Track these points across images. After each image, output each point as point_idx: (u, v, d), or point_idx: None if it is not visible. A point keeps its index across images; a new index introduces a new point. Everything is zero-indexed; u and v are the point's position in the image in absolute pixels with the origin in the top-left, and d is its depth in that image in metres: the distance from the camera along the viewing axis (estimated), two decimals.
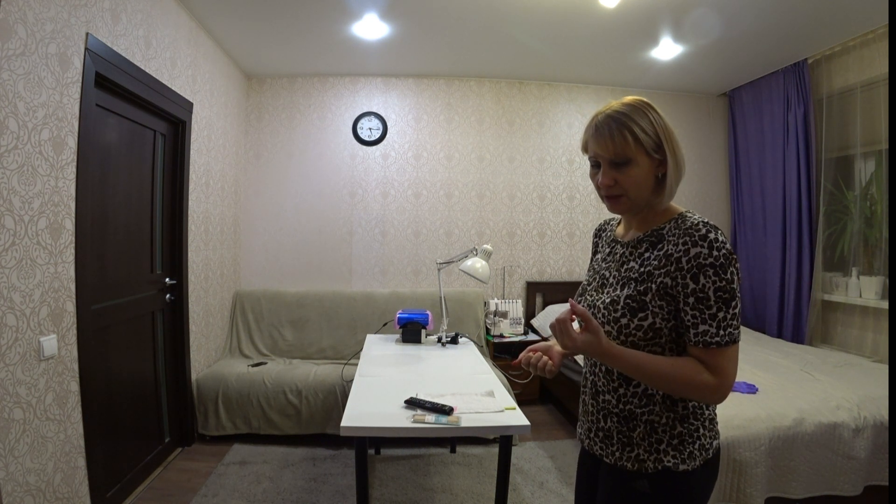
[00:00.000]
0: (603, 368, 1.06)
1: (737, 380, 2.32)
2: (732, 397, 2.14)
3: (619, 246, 1.09)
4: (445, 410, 1.55)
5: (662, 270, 0.95)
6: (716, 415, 1.03)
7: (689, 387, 0.92)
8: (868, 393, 2.17)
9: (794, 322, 3.48)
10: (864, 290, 3.10)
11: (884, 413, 2.05)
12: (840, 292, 3.30)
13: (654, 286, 0.96)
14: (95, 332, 2.04)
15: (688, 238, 0.93)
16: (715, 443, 1.01)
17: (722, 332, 0.90)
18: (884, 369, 2.57)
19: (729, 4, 2.67)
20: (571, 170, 4.14)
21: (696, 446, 0.97)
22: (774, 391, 2.21)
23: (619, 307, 0.99)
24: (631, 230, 1.08)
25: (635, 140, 0.96)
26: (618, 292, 1.01)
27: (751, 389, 2.22)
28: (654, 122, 0.99)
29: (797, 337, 3.45)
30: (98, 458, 1.99)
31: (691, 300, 0.92)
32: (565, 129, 4.13)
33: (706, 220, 0.95)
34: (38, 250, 1.68)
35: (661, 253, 0.96)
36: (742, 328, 3.57)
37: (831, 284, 3.38)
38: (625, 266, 1.04)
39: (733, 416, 1.98)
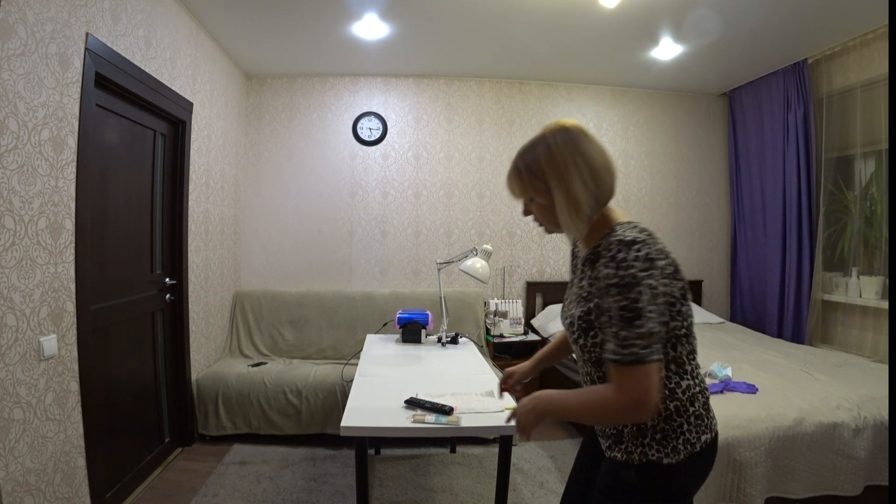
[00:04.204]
0: (588, 379, 1.10)
1: (737, 380, 2.33)
2: (733, 397, 2.14)
3: (578, 262, 1.13)
4: (445, 410, 1.55)
5: (594, 290, 0.99)
6: (705, 411, 1.04)
7: (607, 411, 0.95)
8: (868, 393, 2.17)
9: (794, 322, 3.48)
10: (864, 290, 3.10)
11: (884, 413, 2.04)
12: (840, 292, 3.30)
13: (592, 305, 1.00)
14: (95, 332, 2.04)
15: (605, 258, 0.95)
16: (704, 437, 1.02)
17: (625, 352, 0.90)
18: (884, 369, 2.57)
19: (729, 4, 2.67)
20: None
21: (680, 441, 1.00)
22: (774, 391, 2.21)
23: (576, 328, 1.04)
24: (584, 247, 1.10)
25: (523, 182, 1.06)
26: (573, 311, 1.06)
27: (751, 389, 2.22)
28: (545, 155, 1.02)
29: (797, 337, 3.45)
30: (98, 458, 1.99)
31: (603, 319, 0.95)
32: None
33: (625, 238, 0.94)
34: (38, 250, 1.68)
35: (595, 272, 0.99)
36: (742, 328, 3.63)
37: (831, 284, 3.38)
38: (578, 284, 1.08)
39: (733, 416, 1.97)
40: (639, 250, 0.92)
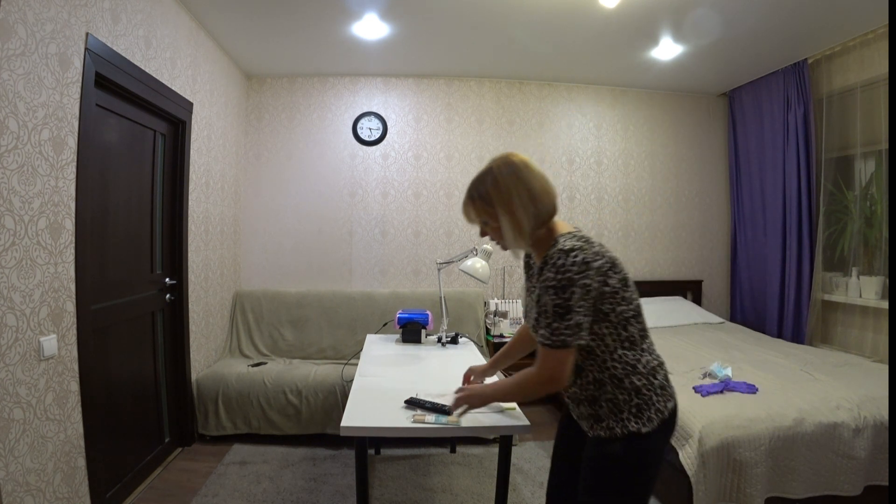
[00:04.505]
0: None
1: (737, 380, 2.33)
2: (732, 397, 2.15)
3: (534, 271, 1.28)
4: (445, 410, 1.55)
5: (541, 290, 1.16)
6: (666, 382, 1.21)
7: (526, 385, 1.21)
8: (868, 393, 2.17)
9: (794, 322, 3.48)
10: (864, 290, 3.10)
11: (884, 413, 2.05)
12: (840, 292, 3.30)
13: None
14: (95, 332, 2.04)
15: (548, 264, 1.14)
16: (669, 405, 1.19)
17: (554, 338, 1.12)
18: (884, 369, 2.57)
19: (729, 4, 2.67)
20: (571, 170, 4.14)
21: (653, 411, 1.16)
22: (774, 391, 2.21)
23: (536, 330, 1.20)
24: (537, 259, 1.26)
25: (476, 208, 1.25)
26: (533, 315, 1.22)
27: (751, 389, 2.22)
28: (492, 185, 1.20)
29: (797, 337, 3.45)
30: (98, 458, 1.99)
31: (540, 310, 1.15)
32: (565, 129, 4.13)
33: (564, 247, 1.12)
34: (38, 250, 1.68)
35: (542, 276, 1.16)
36: (742, 328, 3.63)
37: (831, 284, 3.38)
38: (534, 292, 1.23)
39: (733, 415, 1.98)
40: (576, 256, 1.10)
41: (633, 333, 1.17)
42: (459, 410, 1.42)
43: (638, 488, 1.18)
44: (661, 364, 1.22)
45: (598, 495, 1.19)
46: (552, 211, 1.23)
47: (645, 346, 1.20)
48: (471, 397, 1.38)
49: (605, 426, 1.18)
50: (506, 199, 1.19)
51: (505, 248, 1.28)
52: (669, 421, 1.19)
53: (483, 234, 1.31)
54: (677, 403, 1.23)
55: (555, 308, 1.11)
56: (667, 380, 1.22)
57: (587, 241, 1.15)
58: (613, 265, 1.14)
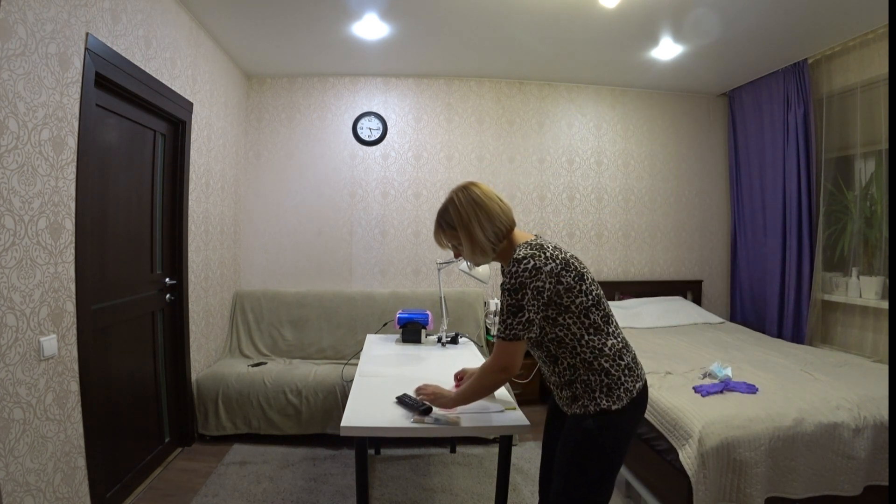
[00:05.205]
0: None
1: (737, 380, 2.33)
2: (732, 397, 2.15)
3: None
4: (428, 409, 1.53)
5: None
6: (634, 364, 1.35)
7: (484, 376, 1.39)
8: (868, 393, 2.16)
9: (794, 322, 3.48)
10: (864, 290, 3.10)
11: (884, 413, 2.04)
12: (840, 292, 3.30)
13: None
14: (95, 332, 2.04)
15: (506, 271, 1.30)
16: (637, 385, 1.33)
17: (508, 332, 1.28)
18: (884, 369, 2.57)
19: (729, 4, 2.67)
20: (571, 170, 4.14)
21: (622, 390, 1.29)
22: (774, 391, 2.21)
23: None
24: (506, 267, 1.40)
25: (446, 235, 1.44)
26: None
27: (751, 389, 2.22)
28: (454, 213, 1.38)
29: (797, 337, 3.45)
30: (98, 458, 1.99)
31: (499, 309, 1.32)
32: (565, 129, 4.13)
33: (518, 256, 1.27)
34: (38, 250, 1.68)
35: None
36: (742, 328, 3.64)
37: (831, 284, 3.38)
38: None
39: (733, 416, 1.98)
40: (527, 264, 1.25)
41: (596, 320, 1.30)
42: (452, 413, 1.53)
43: (607, 460, 1.30)
44: (626, 346, 1.35)
45: (572, 465, 1.31)
46: (510, 226, 1.39)
47: (610, 331, 1.32)
48: (435, 402, 1.52)
49: (581, 404, 1.31)
50: (466, 223, 1.36)
51: (473, 264, 1.44)
52: (639, 399, 1.32)
53: (457, 255, 1.49)
54: (647, 383, 1.37)
55: (509, 307, 1.27)
56: (634, 361, 1.36)
57: (540, 248, 1.30)
58: (566, 265, 1.28)
